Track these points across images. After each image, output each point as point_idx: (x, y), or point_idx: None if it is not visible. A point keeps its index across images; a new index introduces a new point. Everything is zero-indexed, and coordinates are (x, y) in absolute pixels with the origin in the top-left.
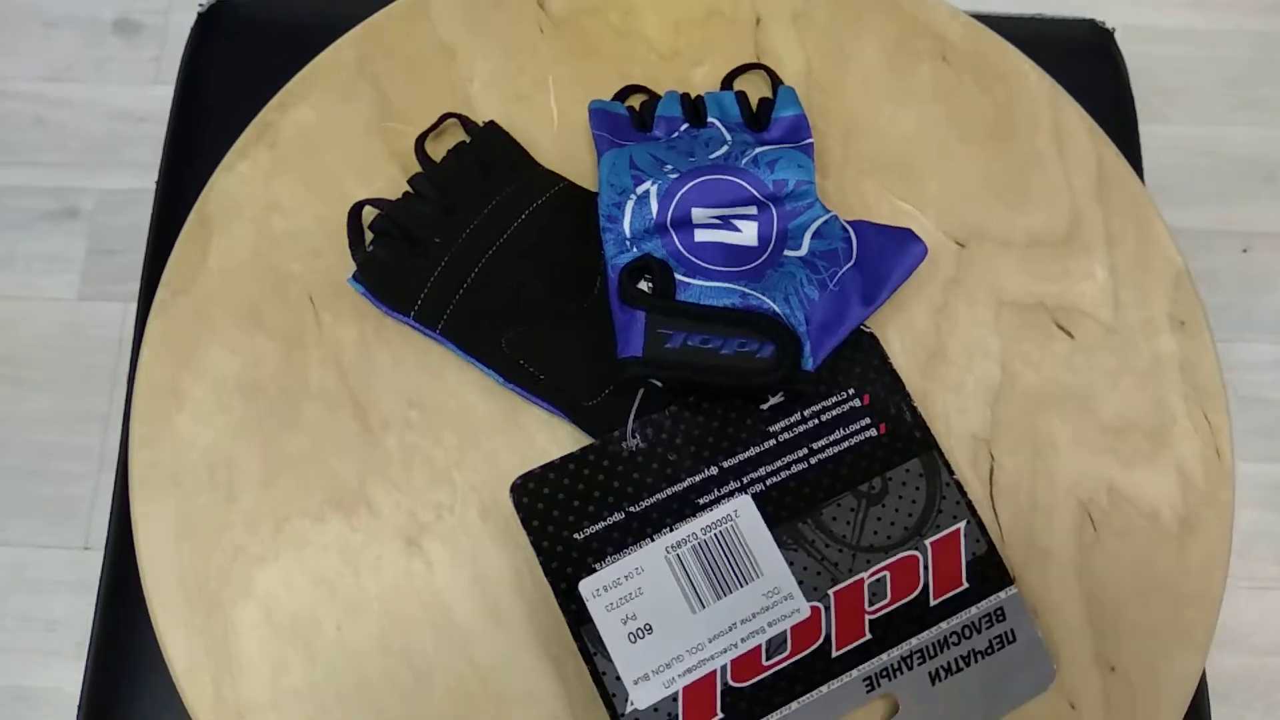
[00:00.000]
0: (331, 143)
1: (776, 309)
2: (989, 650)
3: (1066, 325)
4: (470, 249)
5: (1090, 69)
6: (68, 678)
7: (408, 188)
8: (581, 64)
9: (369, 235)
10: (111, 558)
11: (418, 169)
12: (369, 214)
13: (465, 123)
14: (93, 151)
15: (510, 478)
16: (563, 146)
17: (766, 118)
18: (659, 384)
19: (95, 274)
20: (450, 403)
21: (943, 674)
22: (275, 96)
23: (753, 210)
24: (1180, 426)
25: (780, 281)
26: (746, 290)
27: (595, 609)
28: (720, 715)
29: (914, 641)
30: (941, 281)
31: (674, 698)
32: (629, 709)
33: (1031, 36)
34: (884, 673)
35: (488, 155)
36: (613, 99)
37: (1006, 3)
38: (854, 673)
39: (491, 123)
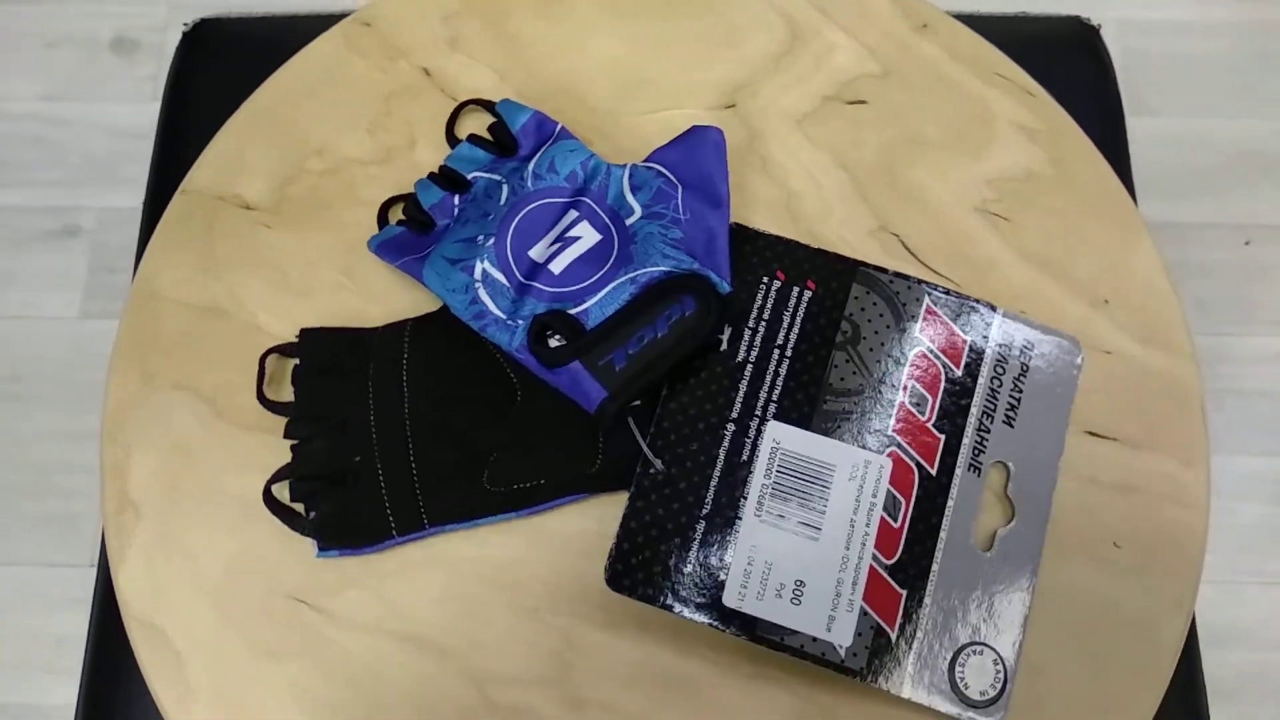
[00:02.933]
0: (187, 469)
1: (664, 268)
2: (1024, 369)
3: (854, 98)
4: (390, 443)
5: (1077, 66)
6: (76, 695)
7: (291, 441)
8: (324, 224)
9: (298, 506)
10: (103, 574)
11: (282, 422)
12: (282, 490)
13: (284, 350)
14: (92, 170)
15: (593, 580)
16: (381, 301)
17: (510, 138)
18: (637, 403)
19: (97, 292)
20: (486, 571)
21: (1011, 415)
22: (105, 458)
23: (573, 215)
24: (991, 97)
25: (646, 246)
26: (631, 276)
27: (750, 608)
28: (903, 591)
29: (973, 411)
30: (746, 145)
31: (863, 613)
32: (843, 652)
33: (1017, 35)
34: (975, 453)
35: (326, 359)
36: (381, 229)
37: (991, 1)
38: (958, 473)
39: (303, 331)
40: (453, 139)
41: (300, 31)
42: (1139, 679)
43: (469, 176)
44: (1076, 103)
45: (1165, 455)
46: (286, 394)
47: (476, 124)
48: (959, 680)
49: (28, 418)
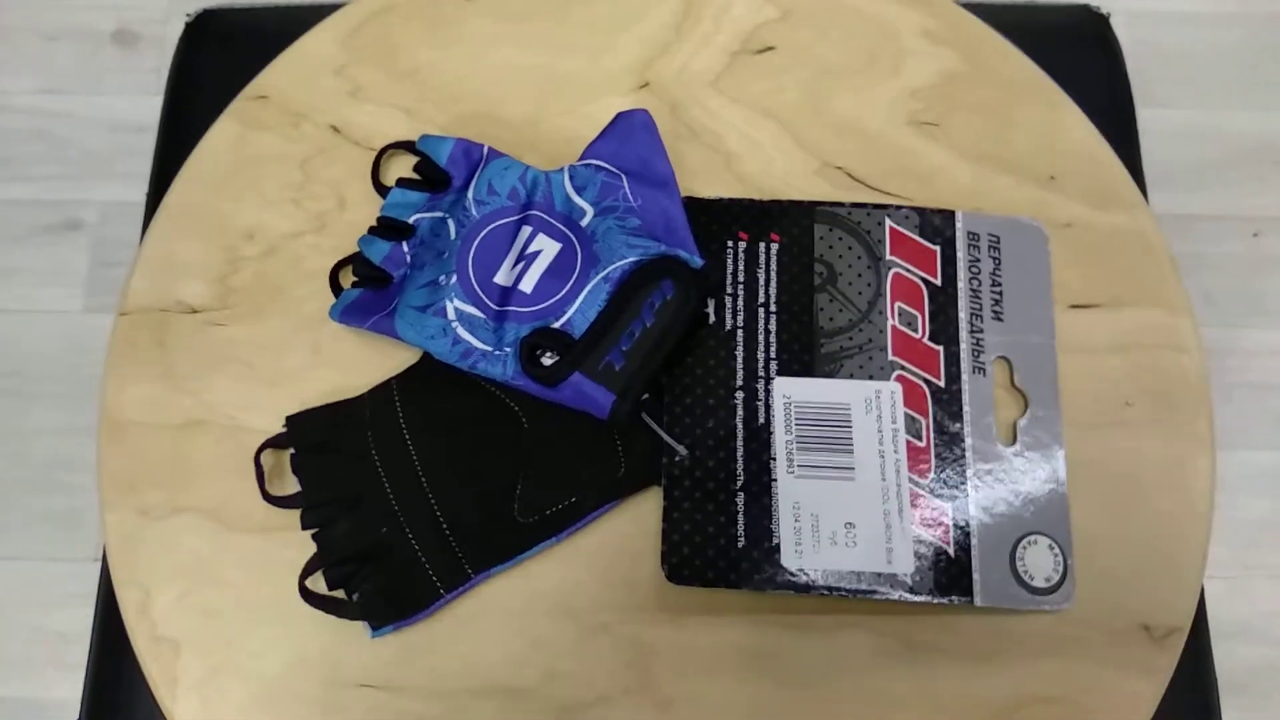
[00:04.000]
0: (213, 590)
1: (633, 259)
2: (997, 262)
3: (762, 46)
4: (412, 504)
5: (1087, 55)
6: (81, 690)
7: (311, 531)
8: (278, 307)
9: (339, 593)
10: (106, 570)
11: (296, 516)
12: (317, 582)
13: (276, 443)
14: (94, 163)
15: (650, 580)
16: (357, 369)
17: (440, 172)
18: (646, 396)
19: (99, 286)
20: (543, 602)
21: (998, 310)
22: (124, 601)
23: (528, 230)
24: (890, 12)
25: (609, 243)
26: (603, 275)
27: (810, 563)
28: (947, 504)
29: (962, 316)
30: (671, 118)
31: (916, 538)
32: (909, 580)
33: (1026, 24)
34: (974, 354)
35: (320, 439)
36: (337, 296)
37: None
38: (964, 378)
39: (289, 418)
40: (381, 188)
41: (302, 21)
42: (1183, 526)
43: (410, 221)
44: (1086, 92)
45: (1147, 308)
46: (291, 486)
47: (401, 167)
48: (1023, 574)
49: (29, 413)
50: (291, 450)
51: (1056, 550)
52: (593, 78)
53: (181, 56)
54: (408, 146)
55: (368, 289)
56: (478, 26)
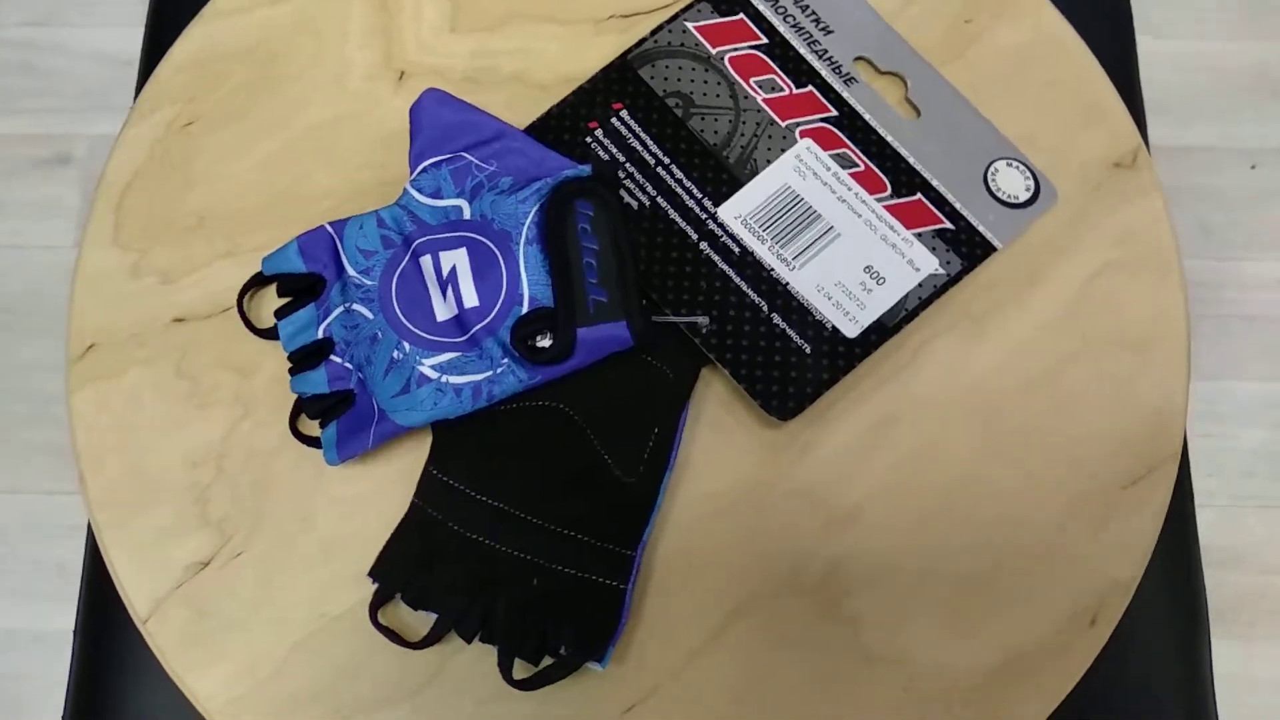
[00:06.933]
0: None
1: (533, 208)
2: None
3: None
4: (532, 542)
5: None
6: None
7: (476, 638)
8: (277, 497)
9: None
10: None
11: (458, 643)
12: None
13: (381, 600)
14: (83, 97)
15: (769, 438)
16: (383, 493)
17: (304, 278)
18: (645, 302)
19: None
20: (716, 537)
21: (825, 27)
22: None
23: (428, 259)
24: None
25: (502, 212)
26: (524, 240)
27: (866, 318)
28: (917, 195)
29: (803, 51)
30: (447, 84)
31: (918, 236)
32: (943, 269)
33: None
34: (837, 71)
35: (415, 563)
36: (317, 446)
37: None
38: (845, 94)
39: (372, 573)
40: (266, 333)
41: None
42: (1087, 74)
43: (320, 335)
44: (1087, 20)
45: None
46: (424, 620)
47: (268, 301)
48: (1008, 199)
49: (24, 348)
50: (398, 594)
51: (1014, 163)
52: (352, 104)
53: None
54: (258, 280)
55: (339, 417)
56: (212, 144)
